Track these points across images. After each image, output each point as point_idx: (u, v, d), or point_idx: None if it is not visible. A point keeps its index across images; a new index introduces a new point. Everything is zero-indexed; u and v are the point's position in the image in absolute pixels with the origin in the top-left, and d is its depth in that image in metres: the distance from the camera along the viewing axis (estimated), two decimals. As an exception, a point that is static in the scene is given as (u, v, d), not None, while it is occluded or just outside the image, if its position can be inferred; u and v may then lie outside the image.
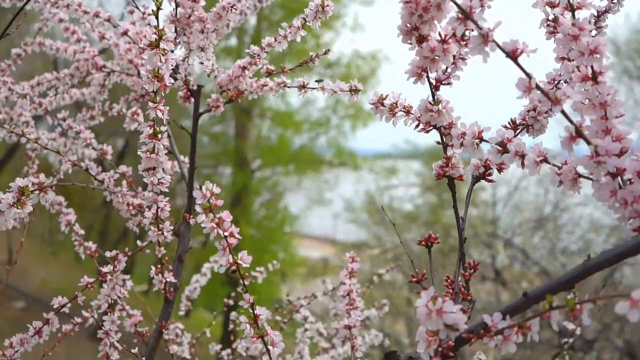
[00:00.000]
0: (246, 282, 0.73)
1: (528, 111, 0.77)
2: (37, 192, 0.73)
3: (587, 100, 0.62)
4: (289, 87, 1.07)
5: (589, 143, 0.58)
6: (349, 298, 1.07)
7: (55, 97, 1.31)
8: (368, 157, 12.06)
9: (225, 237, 0.70)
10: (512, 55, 0.57)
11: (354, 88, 0.95)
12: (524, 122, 0.78)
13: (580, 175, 0.61)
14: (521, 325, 0.56)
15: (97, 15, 1.18)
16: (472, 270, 0.70)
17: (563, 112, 0.57)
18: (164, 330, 1.10)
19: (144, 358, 1.04)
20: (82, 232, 1.20)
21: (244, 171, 11.31)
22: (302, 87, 1.05)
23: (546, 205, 8.02)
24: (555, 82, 0.77)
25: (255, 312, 0.73)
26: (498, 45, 0.56)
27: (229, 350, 1.52)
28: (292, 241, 11.76)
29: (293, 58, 10.47)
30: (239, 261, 0.71)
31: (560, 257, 6.96)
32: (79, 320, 1.22)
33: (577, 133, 0.58)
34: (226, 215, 0.71)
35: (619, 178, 0.58)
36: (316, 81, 1.02)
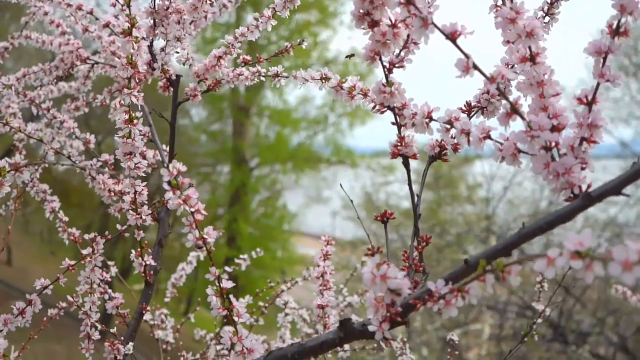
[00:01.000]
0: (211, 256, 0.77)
1: (482, 94, 0.81)
2: (12, 172, 0.77)
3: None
4: (263, 76, 1.11)
5: (523, 119, 0.61)
6: (323, 279, 1.11)
7: (40, 89, 1.35)
8: (366, 155, 12.10)
9: (192, 213, 0.74)
10: (452, 37, 0.61)
11: (324, 76, 0.99)
12: (478, 104, 0.82)
13: (520, 151, 0.65)
14: (460, 289, 0.60)
15: (79, 8, 1.22)
16: (424, 244, 0.74)
17: (498, 89, 0.61)
18: (144, 311, 1.13)
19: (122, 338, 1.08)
20: (66, 218, 1.23)
21: (242, 169, 11.35)
22: (276, 75, 1.09)
23: (542, 201, 8.07)
24: (509, 66, 0.81)
25: (221, 285, 0.77)
26: (437, 28, 0.60)
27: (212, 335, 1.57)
28: (291, 239, 11.80)
29: (290, 56, 10.52)
30: (205, 236, 0.75)
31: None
32: (63, 304, 1.27)
33: (513, 109, 0.62)
34: (192, 193, 0.75)
35: (554, 151, 0.62)
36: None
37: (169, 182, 0.73)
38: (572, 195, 0.60)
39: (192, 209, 0.74)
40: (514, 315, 6.61)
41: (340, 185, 1.01)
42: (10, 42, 1.47)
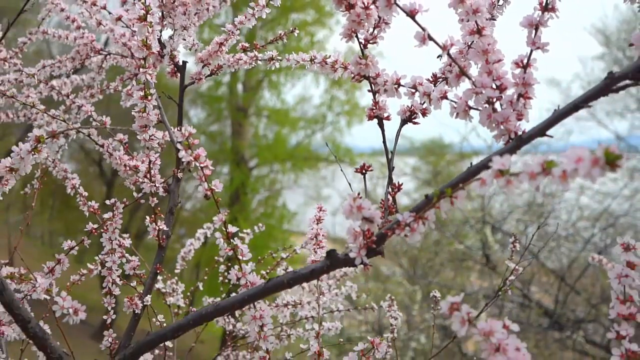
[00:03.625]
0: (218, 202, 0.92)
1: (445, 66, 0.95)
2: (50, 139, 0.91)
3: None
4: (260, 60, 1.25)
5: (469, 79, 0.76)
6: (317, 239, 1.25)
7: (56, 79, 1.50)
8: (364, 153, 12.24)
9: (202, 168, 0.89)
10: (411, 14, 0.75)
11: (312, 58, 1.13)
12: (443, 75, 0.96)
13: (470, 107, 0.79)
14: (421, 217, 0.74)
15: (94, 3, 1.36)
16: (397, 190, 0.89)
17: (449, 55, 0.76)
18: (158, 271, 1.27)
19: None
20: (85, 193, 1.37)
21: (242, 169, 11.49)
22: (271, 59, 1.24)
23: (538, 194, 8.22)
24: (468, 43, 0.96)
25: (227, 230, 0.91)
26: (399, 7, 0.75)
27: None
28: (291, 238, 11.91)
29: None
30: (213, 187, 0.89)
31: (550, 242, 7.16)
32: (84, 271, 1.41)
33: (461, 72, 0.76)
34: (202, 151, 0.89)
35: (497, 105, 0.77)
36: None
37: (181, 142, 0.88)
38: (509, 140, 0.75)
39: (202, 165, 0.88)
40: (511, 304, 6.75)
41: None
42: (29, 37, 1.62)
